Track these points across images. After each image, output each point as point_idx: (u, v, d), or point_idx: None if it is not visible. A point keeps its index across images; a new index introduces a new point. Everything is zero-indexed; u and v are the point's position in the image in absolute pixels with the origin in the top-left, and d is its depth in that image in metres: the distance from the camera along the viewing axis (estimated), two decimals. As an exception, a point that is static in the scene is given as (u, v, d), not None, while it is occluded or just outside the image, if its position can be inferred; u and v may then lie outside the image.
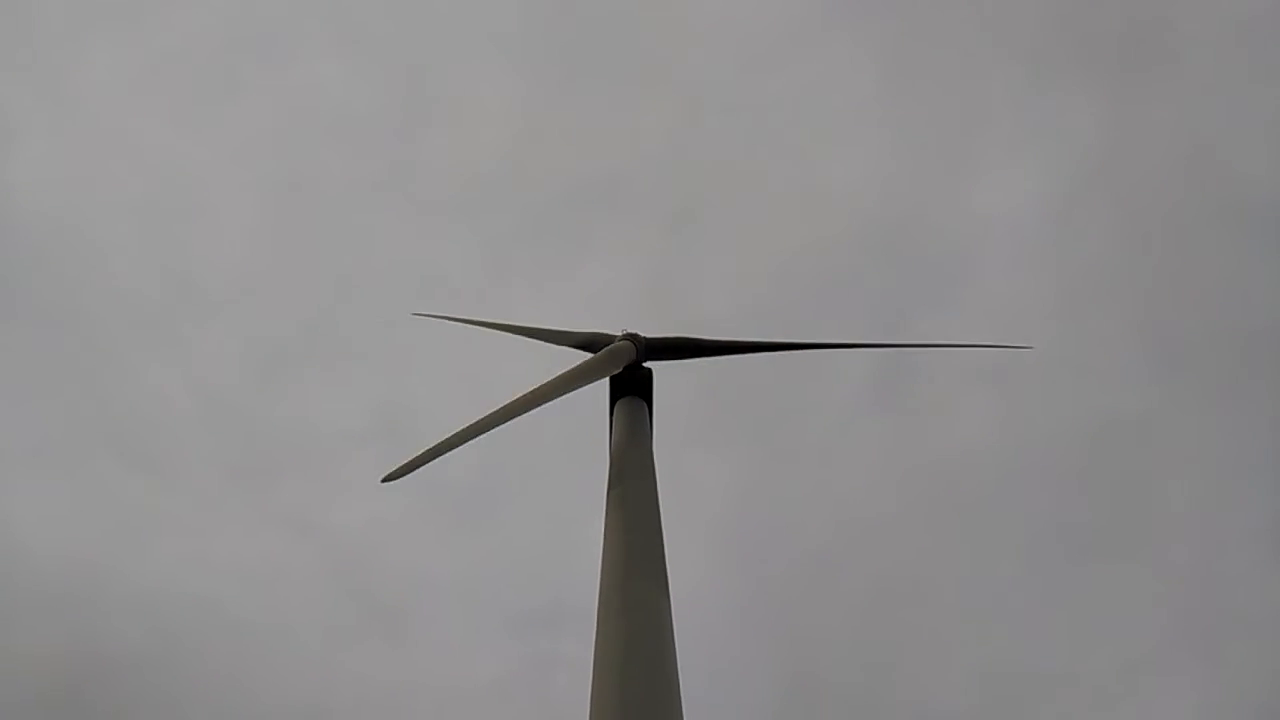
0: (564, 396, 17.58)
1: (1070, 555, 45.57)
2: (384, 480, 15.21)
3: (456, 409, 44.65)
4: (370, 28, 53.47)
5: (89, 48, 50.24)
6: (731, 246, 51.69)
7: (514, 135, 52.45)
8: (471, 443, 16.37)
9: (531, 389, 17.36)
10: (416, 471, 15.43)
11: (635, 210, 53.29)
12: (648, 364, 19.77)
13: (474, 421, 16.59)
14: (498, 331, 23.89)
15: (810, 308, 49.07)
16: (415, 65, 53.08)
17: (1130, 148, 50.46)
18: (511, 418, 16.71)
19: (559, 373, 18.01)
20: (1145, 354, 47.21)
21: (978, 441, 45.58)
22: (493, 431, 16.65)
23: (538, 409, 17.04)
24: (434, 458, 15.68)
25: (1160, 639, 43.03)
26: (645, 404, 19.13)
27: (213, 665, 43.30)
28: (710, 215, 52.92)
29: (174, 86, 51.37)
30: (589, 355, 19.60)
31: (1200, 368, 46.54)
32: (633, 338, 19.67)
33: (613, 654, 12.62)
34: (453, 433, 16.32)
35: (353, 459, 48.12)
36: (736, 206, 52.43)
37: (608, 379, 19.30)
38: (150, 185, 51.12)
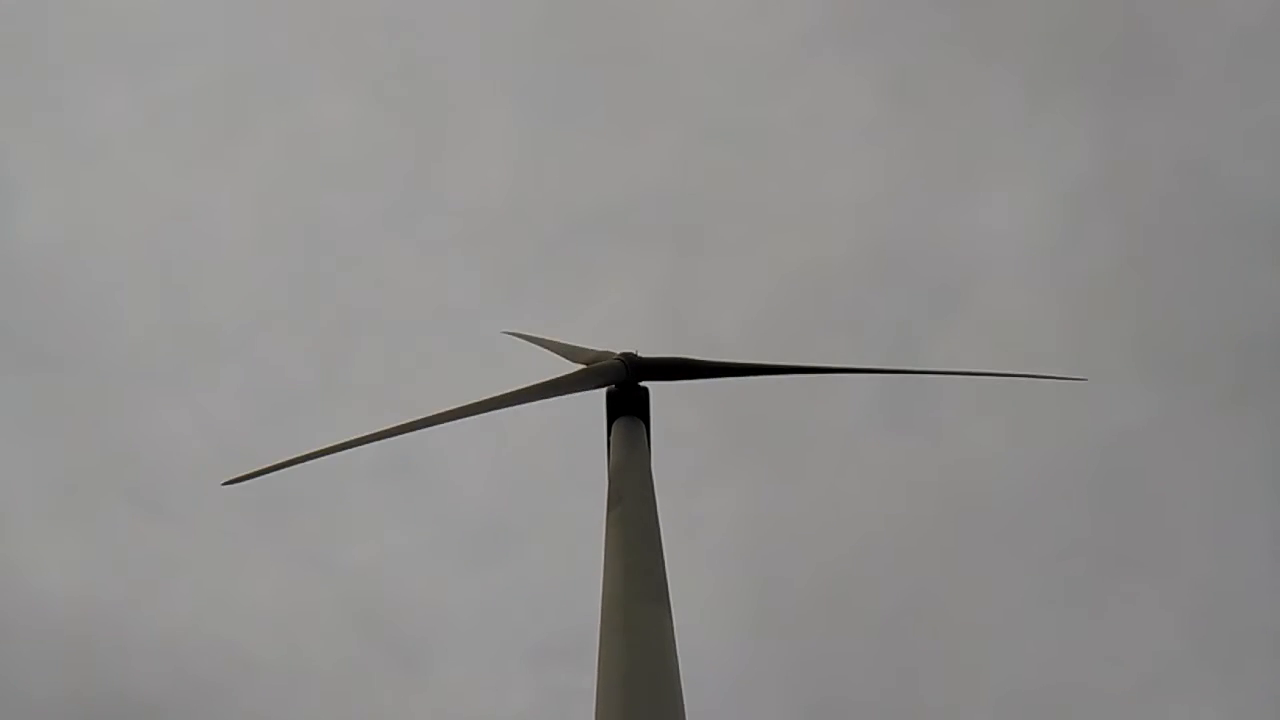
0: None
1: (1086, 571, 45.35)
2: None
3: (469, 445, 44.83)
4: (372, 66, 54.12)
5: (95, 93, 50.97)
6: (736, 270, 51.93)
7: (517, 167, 52.93)
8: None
9: (509, 390, 17.60)
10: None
11: (640, 238, 53.61)
12: (644, 384, 19.74)
13: (443, 410, 16.80)
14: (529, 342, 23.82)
15: (815, 329, 49.20)
16: (417, 102, 53.67)
17: (1129, 164, 50.62)
18: (480, 412, 16.87)
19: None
20: (1150, 368, 47.13)
21: (988, 460, 45.47)
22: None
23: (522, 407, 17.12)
24: (401, 434, 15.83)
25: (1179, 653, 42.70)
26: (643, 423, 19.12)
27: (234, 707, 43.34)
28: (714, 240, 53.19)
29: (179, 129, 52.05)
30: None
31: (1205, 380, 46.45)
32: (626, 357, 19.68)
33: (615, 674, 12.57)
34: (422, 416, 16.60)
35: (366, 496, 48.28)
36: (740, 230, 52.71)
37: (605, 400, 19.35)
38: (156, 228, 51.71)
